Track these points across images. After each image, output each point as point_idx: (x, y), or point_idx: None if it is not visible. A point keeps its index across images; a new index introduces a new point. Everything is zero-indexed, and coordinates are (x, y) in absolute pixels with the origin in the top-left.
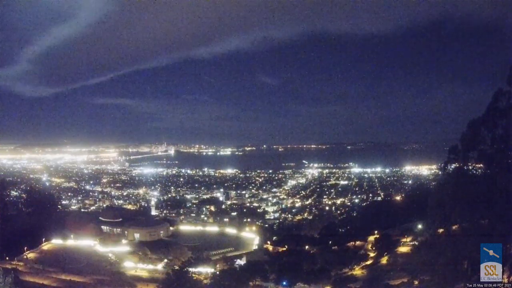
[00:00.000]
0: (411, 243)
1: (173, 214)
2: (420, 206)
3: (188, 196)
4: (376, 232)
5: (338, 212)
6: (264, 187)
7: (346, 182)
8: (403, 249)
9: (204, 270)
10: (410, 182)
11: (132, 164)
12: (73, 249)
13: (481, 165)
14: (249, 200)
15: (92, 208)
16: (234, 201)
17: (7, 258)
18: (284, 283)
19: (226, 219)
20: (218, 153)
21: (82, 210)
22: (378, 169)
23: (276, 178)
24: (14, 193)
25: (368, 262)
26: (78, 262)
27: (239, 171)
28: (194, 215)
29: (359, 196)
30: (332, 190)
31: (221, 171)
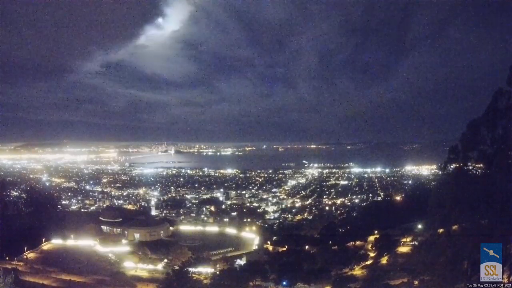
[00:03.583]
0: (411, 243)
1: (173, 214)
2: (420, 206)
3: (188, 196)
4: (376, 232)
5: (338, 212)
6: (264, 187)
7: (346, 182)
8: (403, 249)
9: (204, 270)
10: (410, 182)
11: (132, 164)
12: (73, 249)
13: (481, 165)
14: (249, 200)
15: (92, 208)
16: (234, 201)
17: (7, 258)
18: (284, 283)
19: (226, 219)
20: (218, 153)
21: (82, 210)
22: (378, 169)
23: (276, 178)
24: (14, 193)
25: (368, 262)
26: (78, 262)
27: (239, 171)
28: (194, 215)
29: (359, 196)
30: (332, 190)
31: (221, 171)
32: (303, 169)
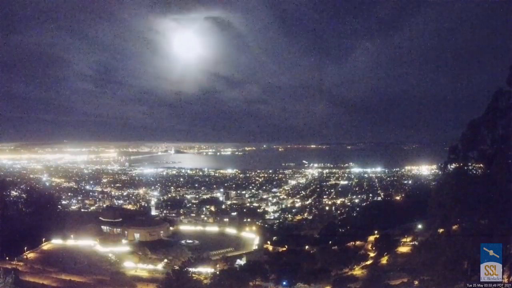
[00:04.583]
0: (411, 243)
1: (173, 214)
2: (420, 206)
3: (188, 196)
4: (376, 232)
5: (338, 212)
6: (264, 187)
7: (346, 182)
8: (403, 249)
9: (204, 270)
10: (410, 182)
11: (132, 164)
12: (73, 249)
13: (481, 165)
14: (249, 200)
15: (92, 208)
16: (234, 201)
17: (7, 258)
18: (284, 283)
19: (226, 219)
20: (218, 153)
21: (82, 210)
22: (378, 169)
23: (276, 178)
24: (14, 193)
25: (368, 262)
26: (78, 262)
27: (239, 171)
28: (194, 215)
29: (359, 196)
30: (332, 190)
31: (221, 171)
32: (303, 169)
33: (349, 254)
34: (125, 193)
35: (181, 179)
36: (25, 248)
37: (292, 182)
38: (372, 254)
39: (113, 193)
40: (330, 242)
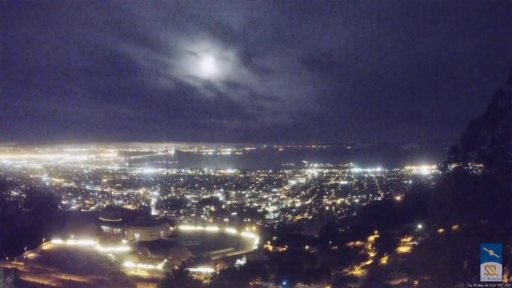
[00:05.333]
0: (411, 243)
1: (173, 214)
2: (420, 206)
3: (188, 196)
4: (376, 232)
5: (338, 212)
6: (264, 187)
7: (346, 182)
8: (403, 249)
9: (204, 270)
10: (410, 182)
11: (132, 164)
12: (73, 249)
13: (481, 165)
14: (249, 200)
15: (92, 208)
16: (234, 201)
17: (7, 258)
18: (284, 283)
19: (226, 219)
20: (218, 153)
21: (82, 210)
22: (378, 169)
23: (276, 178)
24: (14, 193)
25: (368, 262)
26: (78, 262)
27: (239, 171)
28: (194, 215)
29: (359, 196)
30: (332, 190)
31: (221, 171)
32: (303, 169)
33: (349, 254)
34: (125, 193)
35: (181, 179)
36: (25, 248)
37: (292, 182)
38: (372, 254)
39: (113, 193)
40: (330, 242)
